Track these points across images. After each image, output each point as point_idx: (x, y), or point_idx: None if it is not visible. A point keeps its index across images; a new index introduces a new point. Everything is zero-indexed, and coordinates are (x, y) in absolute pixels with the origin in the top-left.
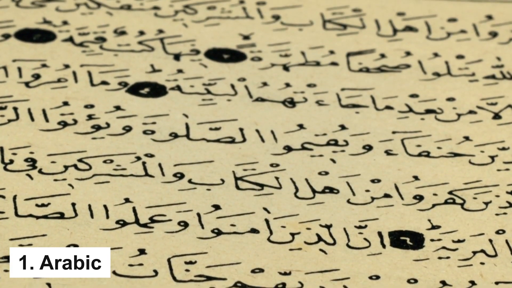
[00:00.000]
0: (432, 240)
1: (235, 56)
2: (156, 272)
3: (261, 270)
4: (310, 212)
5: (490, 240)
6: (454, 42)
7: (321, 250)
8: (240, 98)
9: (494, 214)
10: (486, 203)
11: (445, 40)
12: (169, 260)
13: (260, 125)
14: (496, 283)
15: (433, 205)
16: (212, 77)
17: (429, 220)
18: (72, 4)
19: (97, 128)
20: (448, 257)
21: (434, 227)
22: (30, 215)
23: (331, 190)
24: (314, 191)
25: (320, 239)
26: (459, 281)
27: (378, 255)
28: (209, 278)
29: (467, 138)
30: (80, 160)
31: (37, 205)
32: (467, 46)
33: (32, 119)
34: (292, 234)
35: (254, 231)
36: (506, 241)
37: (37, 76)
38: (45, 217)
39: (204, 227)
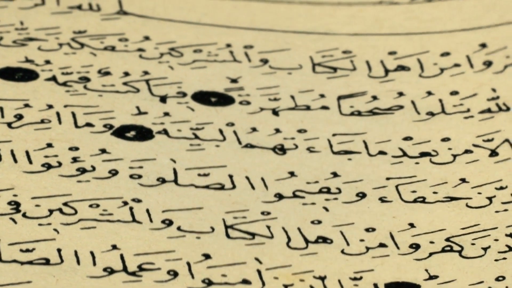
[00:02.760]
0: None
1: (223, 99)
2: None
3: None
4: (303, 263)
5: None
6: (447, 78)
7: None
8: (229, 144)
9: (494, 260)
10: (485, 249)
11: (439, 77)
12: None
13: (250, 172)
14: None
15: (430, 254)
16: (199, 121)
17: (426, 270)
18: (54, 43)
19: (82, 171)
20: None
21: (431, 277)
22: (15, 261)
23: (324, 240)
24: (307, 241)
25: None
26: None
27: None
28: None
29: (463, 180)
30: (65, 204)
31: (21, 250)
32: (461, 81)
33: (15, 160)
34: (285, 286)
35: (246, 282)
36: None
37: (19, 117)
38: (30, 263)
39: (194, 276)
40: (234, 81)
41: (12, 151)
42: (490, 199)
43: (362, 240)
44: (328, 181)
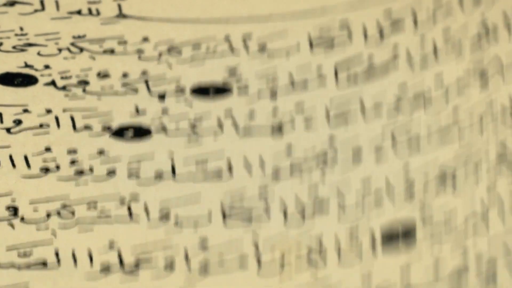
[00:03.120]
0: None
1: (221, 91)
2: None
3: None
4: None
5: None
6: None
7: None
8: (227, 135)
9: None
10: None
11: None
12: None
13: (248, 159)
14: None
15: None
16: (197, 116)
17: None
18: (54, 48)
19: (80, 173)
20: None
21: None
22: (12, 266)
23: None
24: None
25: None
26: None
27: None
28: None
29: None
30: (63, 207)
31: (19, 255)
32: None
33: (14, 165)
34: (282, 254)
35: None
36: None
37: (18, 122)
38: (28, 267)
39: (191, 269)
40: (232, 71)
41: (10, 156)
42: None
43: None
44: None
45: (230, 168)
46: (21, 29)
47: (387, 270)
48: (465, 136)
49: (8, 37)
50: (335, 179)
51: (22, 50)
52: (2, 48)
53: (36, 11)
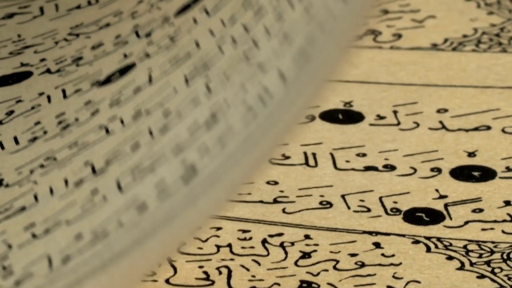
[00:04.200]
0: None
1: None
2: None
3: None
4: None
5: None
6: None
7: None
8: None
9: None
10: None
11: None
12: None
13: None
14: None
15: None
16: None
17: None
18: (51, 43)
19: (66, 126)
20: None
21: None
22: None
23: None
24: None
25: None
26: None
27: None
28: None
29: None
30: (46, 159)
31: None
32: None
33: (3, 148)
34: None
35: None
36: None
37: (10, 113)
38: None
39: None
40: None
41: (0, 142)
42: None
43: None
44: None
45: None
46: (19, 36)
47: None
48: None
49: (5, 46)
50: None
51: (19, 53)
52: None
53: (35, 17)
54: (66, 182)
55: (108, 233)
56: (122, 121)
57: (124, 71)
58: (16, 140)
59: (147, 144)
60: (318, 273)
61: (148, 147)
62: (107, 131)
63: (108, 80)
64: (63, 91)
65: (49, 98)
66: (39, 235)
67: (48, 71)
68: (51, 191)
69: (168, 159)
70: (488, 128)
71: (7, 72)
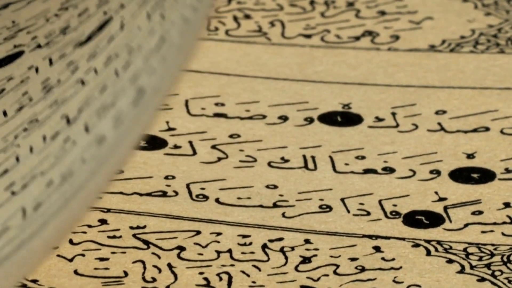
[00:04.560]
0: None
1: None
2: None
3: None
4: None
5: None
6: None
7: None
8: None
9: None
10: None
11: None
12: None
13: None
14: None
15: None
16: None
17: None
18: (42, 21)
19: (49, 89)
20: None
21: None
22: None
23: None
24: None
25: None
26: None
27: None
28: None
29: None
30: (30, 122)
31: None
32: None
33: None
34: None
35: None
36: None
37: (1, 91)
38: None
39: None
40: None
41: None
42: None
43: None
44: None
45: None
46: (13, 22)
47: None
48: None
49: (0, 33)
50: None
51: (12, 37)
52: None
53: (29, 3)
54: (44, 138)
55: (73, 172)
56: (95, 71)
57: (102, 26)
58: (4, 113)
59: (113, 84)
60: (319, 278)
61: (113, 86)
62: (82, 83)
63: (88, 39)
64: (50, 60)
65: (37, 69)
66: (17, 191)
67: (39, 46)
68: (31, 149)
69: (126, 89)
70: (487, 129)
71: (1, 56)
